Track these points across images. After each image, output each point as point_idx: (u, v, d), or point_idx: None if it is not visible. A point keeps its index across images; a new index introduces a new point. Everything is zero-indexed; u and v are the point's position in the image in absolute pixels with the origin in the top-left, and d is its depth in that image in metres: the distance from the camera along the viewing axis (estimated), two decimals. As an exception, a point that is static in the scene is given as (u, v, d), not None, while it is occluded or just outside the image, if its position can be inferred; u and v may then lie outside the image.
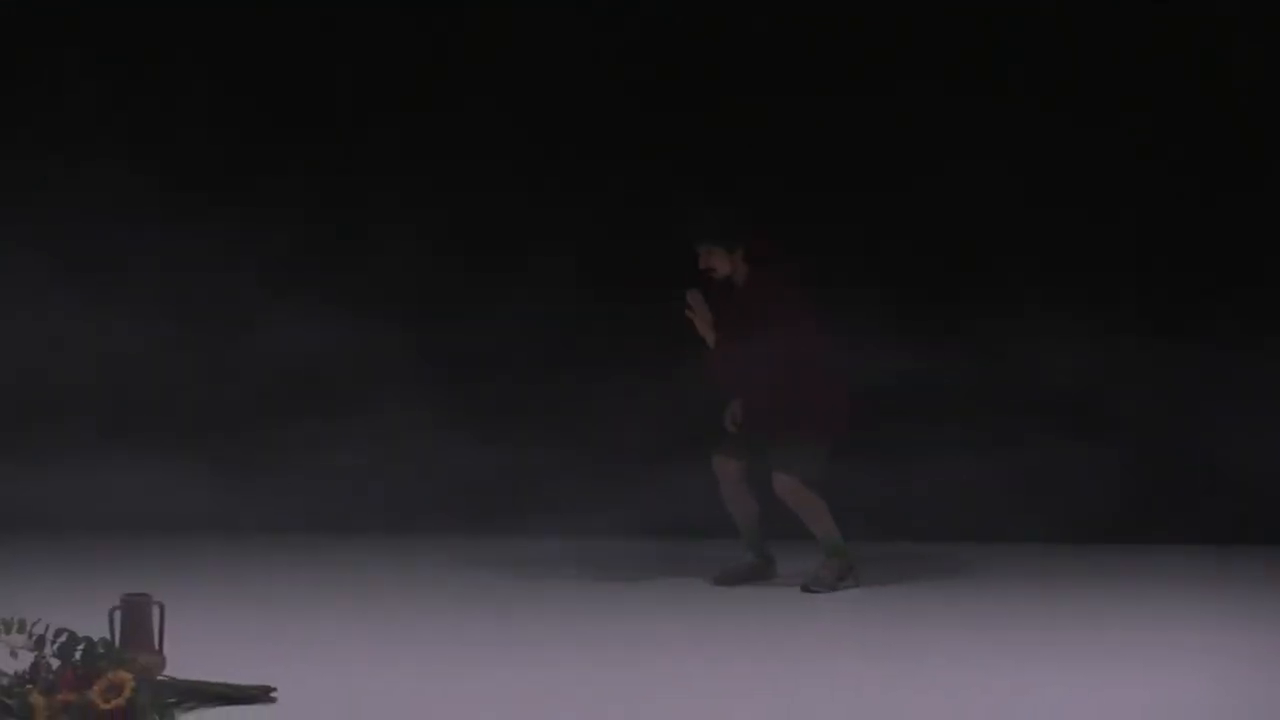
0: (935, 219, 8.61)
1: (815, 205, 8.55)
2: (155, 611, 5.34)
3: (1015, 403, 8.48)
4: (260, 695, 5.23)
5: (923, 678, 5.75)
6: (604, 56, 8.82)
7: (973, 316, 8.57)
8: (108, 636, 5.14)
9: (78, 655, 4.95)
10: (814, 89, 8.65)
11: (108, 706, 4.82)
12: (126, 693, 4.84)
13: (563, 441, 8.62)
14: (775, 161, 8.65)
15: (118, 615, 5.28)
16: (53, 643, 4.97)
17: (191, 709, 5.09)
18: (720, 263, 7.36)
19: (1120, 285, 8.68)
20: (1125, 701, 5.42)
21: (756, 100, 8.67)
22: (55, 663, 4.95)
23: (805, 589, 7.31)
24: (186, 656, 5.33)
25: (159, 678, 5.11)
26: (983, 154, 8.57)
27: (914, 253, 8.64)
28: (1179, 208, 8.63)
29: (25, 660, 4.96)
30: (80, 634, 4.99)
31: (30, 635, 4.96)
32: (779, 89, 8.69)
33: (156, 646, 5.32)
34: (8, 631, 4.94)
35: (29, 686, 4.89)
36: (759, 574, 7.54)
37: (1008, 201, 8.58)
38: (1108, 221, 8.65)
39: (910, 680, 5.71)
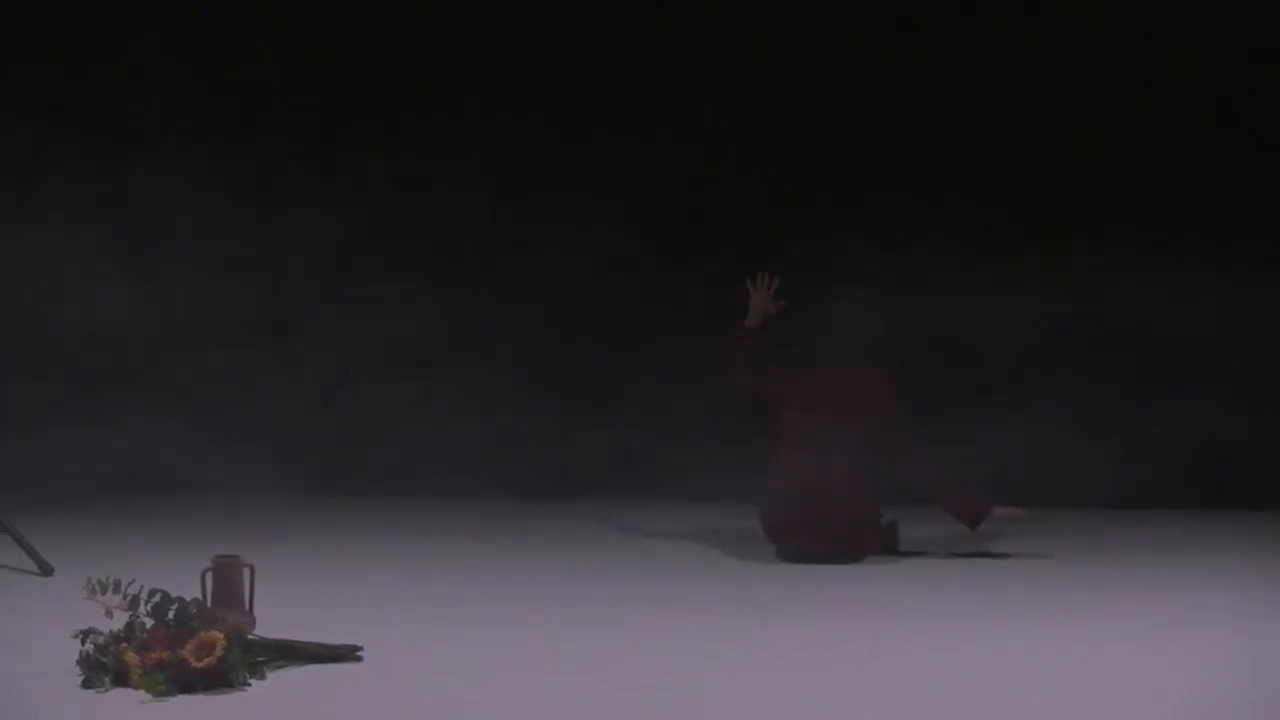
0: (1028, 162, 8.53)
1: (904, 146, 8.51)
2: (245, 573, 5.45)
3: (1107, 352, 8.42)
4: (348, 654, 5.32)
5: (1003, 642, 5.77)
6: (673, 26, 8.82)
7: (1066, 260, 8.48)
8: (199, 597, 5.24)
9: (171, 615, 5.07)
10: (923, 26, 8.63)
11: (200, 665, 4.92)
12: (218, 651, 4.94)
13: (639, 411, 8.66)
14: (863, 101, 8.61)
15: (209, 576, 5.38)
16: (146, 603, 5.09)
17: (281, 667, 5.18)
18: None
19: (1215, 228, 8.48)
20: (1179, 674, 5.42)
21: (841, 44, 8.67)
22: (149, 622, 5.07)
23: None
24: (275, 617, 5.43)
25: (249, 637, 5.20)
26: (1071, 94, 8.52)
27: (1006, 196, 8.54)
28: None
29: (120, 620, 5.09)
30: (173, 595, 5.10)
31: (125, 596, 5.08)
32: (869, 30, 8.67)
33: (247, 607, 5.43)
34: (103, 592, 5.06)
35: (123, 645, 5.01)
36: None
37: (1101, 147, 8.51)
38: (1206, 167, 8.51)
39: (988, 645, 5.73)
